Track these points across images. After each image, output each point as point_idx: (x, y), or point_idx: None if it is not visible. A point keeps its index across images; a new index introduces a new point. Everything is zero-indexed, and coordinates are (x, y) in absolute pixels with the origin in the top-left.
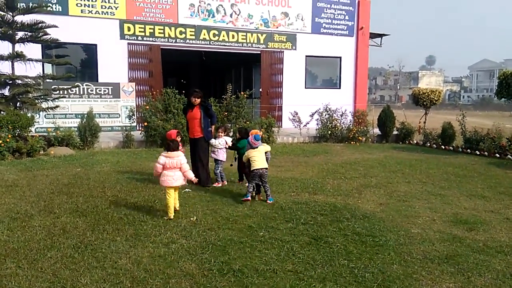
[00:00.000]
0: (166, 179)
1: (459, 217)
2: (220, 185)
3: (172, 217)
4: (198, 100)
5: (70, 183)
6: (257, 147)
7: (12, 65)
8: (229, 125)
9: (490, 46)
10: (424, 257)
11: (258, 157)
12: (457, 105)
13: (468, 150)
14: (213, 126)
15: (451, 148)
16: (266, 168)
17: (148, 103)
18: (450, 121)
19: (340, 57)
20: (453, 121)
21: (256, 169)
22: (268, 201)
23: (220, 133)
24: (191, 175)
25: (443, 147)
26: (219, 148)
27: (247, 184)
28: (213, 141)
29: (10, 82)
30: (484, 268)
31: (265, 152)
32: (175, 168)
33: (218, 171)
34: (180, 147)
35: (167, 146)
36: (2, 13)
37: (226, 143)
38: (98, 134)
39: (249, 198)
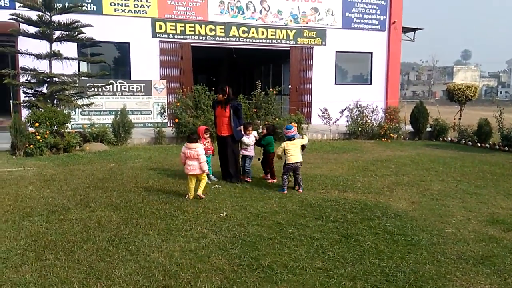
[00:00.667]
0: (186, 167)
1: (496, 217)
2: (250, 180)
3: (191, 197)
4: (221, 97)
5: (104, 178)
6: (293, 137)
7: (50, 63)
8: (258, 121)
9: None
10: (458, 258)
11: (294, 151)
12: (494, 101)
13: (506, 147)
14: (242, 126)
15: (487, 145)
16: (301, 162)
17: (179, 100)
18: (486, 118)
19: (372, 53)
20: (490, 118)
21: (291, 163)
22: (300, 190)
23: (249, 131)
24: (205, 167)
25: (479, 144)
26: (251, 145)
27: (270, 180)
28: (245, 139)
29: (48, 80)
30: None
31: (302, 145)
32: (193, 158)
33: (250, 166)
34: (209, 144)
35: (188, 138)
36: (41, 13)
37: (255, 139)
38: (131, 130)
39: (286, 191)
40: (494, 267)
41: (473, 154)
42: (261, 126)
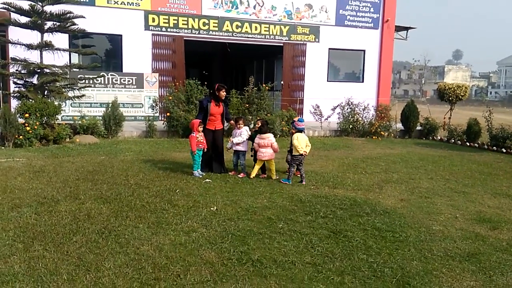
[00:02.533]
0: (259, 154)
1: (483, 215)
2: (245, 175)
3: (251, 176)
4: (224, 94)
5: (94, 170)
6: (303, 129)
7: (41, 54)
8: (250, 117)
9: None
10: (445, 254)
11: (303, 143)
12: (484, 101)
13: (494, 147)
14: (231, 122)
15: (476, 145)
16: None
17: (171, 93)
18: (476, 118)
19: (364, 50)
20: (479, 118)
21: (299, 155)
22: (303, 182)
23: (240, 125)
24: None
25: (468, 143)
26: (244, 141)
27: (262, 175)
28: (235, 139)
29: (39, 70)
30: (507, 268)
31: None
32: (266, 146)
33: (243, 161)
34: (202, 138)
35: (260, 130)
36: (33, 3)
37: (248, 133)
38: (122, 123)
39: (291, 182)
40: (479, 264)
41: (462, 153)
42: (252, 122)
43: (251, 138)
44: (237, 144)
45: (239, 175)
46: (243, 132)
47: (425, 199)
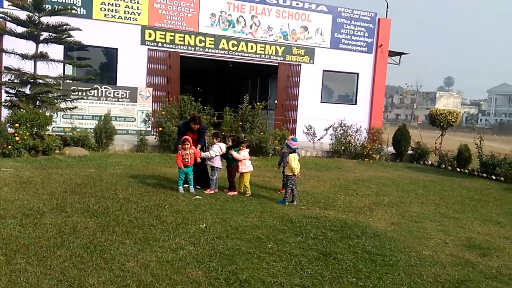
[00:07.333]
0: (245, 167)
1: (472, 241)
2: (212, 192)
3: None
4: (196, 126)
5: (83, 183)
6: (297, 149)
7: (35, 64)
8: (243, 134)
9: (510, 70)
10: (434, 280)
11: (297, 163)
12: (474, 128)
13: (484, 174)
14: (199, 146)
15: (466, 171)
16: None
17: (164, 108)
18: (466, 144)
19: (358, 73)
20: (470, 144)
21: (295, 175)
22: (295, 202)
23: (214, 140)
24: None
25: (458, 169)
26: (214, 156)
27: (231, 193)
28: (204, 154)
29: (32, 81)
30: None
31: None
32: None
33: (215, 177)
34: (187, 156)
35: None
36: (30, 13)
37: (221, 150)
38: (114, 136)
39: (287, 203)
40: None
41: (452, 178)
42: (246, 139)
43: (225, 156)
44: (207, 159)
45: (205, 191)
46: (214, 148)
47: (416, 224)
